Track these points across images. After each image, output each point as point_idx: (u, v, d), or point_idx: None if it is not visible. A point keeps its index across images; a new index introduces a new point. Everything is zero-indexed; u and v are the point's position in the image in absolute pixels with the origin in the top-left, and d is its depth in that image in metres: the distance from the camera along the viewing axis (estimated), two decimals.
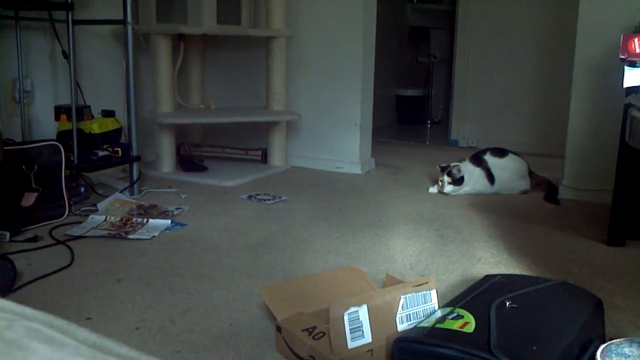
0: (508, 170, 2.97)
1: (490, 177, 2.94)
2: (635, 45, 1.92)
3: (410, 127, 5.52)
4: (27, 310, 0.49)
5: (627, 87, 1.99)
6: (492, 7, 4.26)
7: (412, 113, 5.65)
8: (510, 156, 2.99)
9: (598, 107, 2.77)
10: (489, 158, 2.96)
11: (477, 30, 4.35)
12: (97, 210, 2.50)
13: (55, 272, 1.84)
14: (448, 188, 2.88)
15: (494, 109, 4.31)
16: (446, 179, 2.87)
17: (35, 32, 2.79)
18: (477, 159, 2.97)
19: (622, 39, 1.96)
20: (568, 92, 2.89)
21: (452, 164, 2.90)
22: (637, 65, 1.91)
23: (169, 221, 2.35)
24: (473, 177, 2.92)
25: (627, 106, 1.87)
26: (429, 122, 5.61)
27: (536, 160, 3.91)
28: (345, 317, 1.25)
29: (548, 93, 4.06)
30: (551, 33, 4.03)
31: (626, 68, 1.92)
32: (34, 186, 2.28)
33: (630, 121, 1.54)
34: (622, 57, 1.96)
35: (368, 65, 3.43)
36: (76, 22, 2.63)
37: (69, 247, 2.06)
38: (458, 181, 2.88)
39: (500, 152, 3.00)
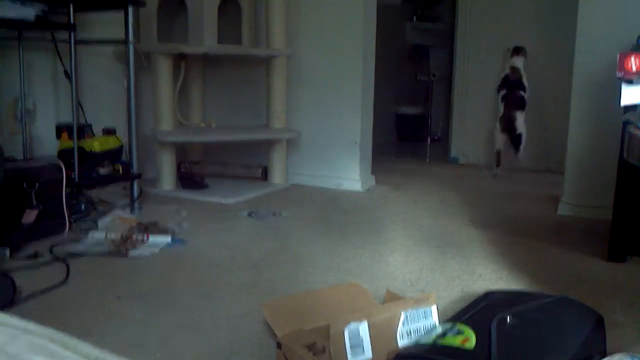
0: None
1: None
2: (631, 64, 1.94)
3: (410, 144, 5.53)
4: (30, 325, 0.49)
5: (625, 105, 2.00)
6: (491, 25, 4.30)
7: (412, 130, 5.67)
8: None
9: (597, 124, 2.78)
10: None
11: (476, 49, 4.38)
12: (97, 227, 2.50)
13: (51, 288, 1.84)
14: None
15: (493, 126, 4.32)
16: None
17: (38, 52, 2.82)
18: None
19: (618, 58, 1.98)
20: (567, 109, 2.90)
21: None
22: (635, 83, 1.92)
23: (169, 238, 2.35)
24: None
25: (625, 123, 1.88)
26: (428, 139, 5.62)
27: (536, 176, 3.93)
28: (346, 333, 1.25)
29: (547, 109, 4.08)
30: (550, 50, 4.06)
31: (623, 86, 1.93)
32: (34, 203, 2.29)
33: (628, 138, 1.55)
34: (619, 75, 1.98)
35: (368, 84, 3.46)
36: (78, 42, 2.65)
37: (66, 264, 2.06)
38: None
39: None
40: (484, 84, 4.36)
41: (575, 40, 2.82)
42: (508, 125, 3.82)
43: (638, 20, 2.55)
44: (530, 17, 4.15)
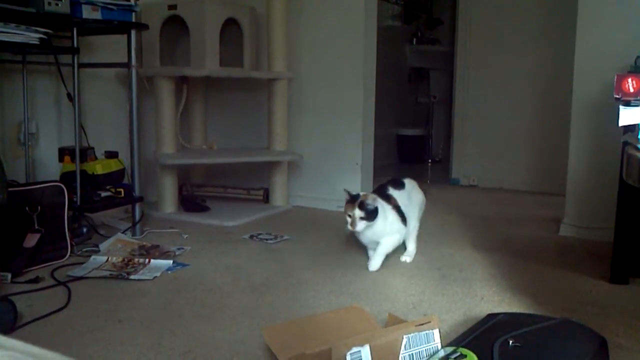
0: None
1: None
2: (629, 85, 1.95)
3: (411, 166, 5.55)
4: (34, 349, 0.50)
5: (624, 126, 2.01)
6: (490, 47, 4.34)
7: (413, 152, 5.70)
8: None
9: (597, 145, 2.79)
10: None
11: (476, 71, 4.42)
12: (99, 250, 2.50)
13: (51, 313, 1.83)
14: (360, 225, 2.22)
15: (494, 148, 4.35)
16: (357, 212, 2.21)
17: (42, 76, 2.85)
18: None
19: (615, 79, 1.99)
20: (567, 131, 2.92)
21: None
22: (632, 104, 1.93)
23: (171, 261, 2.35)
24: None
25: (625, 144, 1.89)
26: (429, 161, 5.64)
27: (537, 198, 3.93)
28: (348, 358, 1.25)
29: (547, 132, 4.10)
30: (549, 73, 4.10)
31: (621, 107, 1.95)
32: (36, 227, 2.29)
33: (626, 159, 1.56)
34: (617, 96, 1.99)
35: (369, 106, 3.48)
36: (82, 66, 2.68)
37: (68, 288, 2.06)
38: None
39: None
40: (484, 106, 4.39)
41: (574, 62, 2.84)
42: None
43: (636, 41, 2.57)
44: (528, 37, 4.18)
